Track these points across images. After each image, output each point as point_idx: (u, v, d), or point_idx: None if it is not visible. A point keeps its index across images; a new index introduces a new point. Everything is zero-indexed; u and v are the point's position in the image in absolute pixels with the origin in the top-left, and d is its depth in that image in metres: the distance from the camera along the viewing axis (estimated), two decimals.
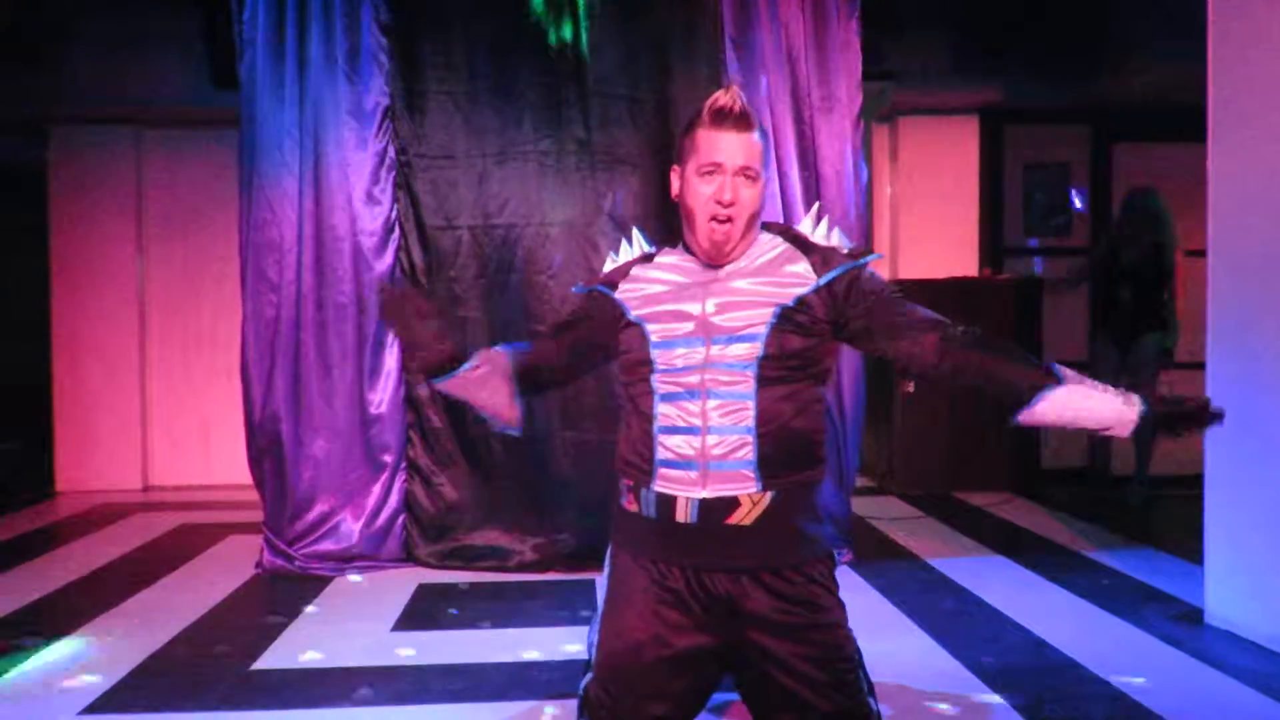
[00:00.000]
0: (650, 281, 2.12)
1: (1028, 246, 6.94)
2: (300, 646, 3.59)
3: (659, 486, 2.01)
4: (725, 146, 2.00)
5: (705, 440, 1.97)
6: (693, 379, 1.97)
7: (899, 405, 6.39)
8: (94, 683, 3.21)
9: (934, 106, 6.74)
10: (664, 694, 2.00)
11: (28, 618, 3.95)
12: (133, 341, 6.67)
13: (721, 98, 2.04)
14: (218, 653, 3.51)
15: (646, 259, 2.19)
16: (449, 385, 2.11)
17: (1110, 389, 1.93)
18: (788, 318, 1.97)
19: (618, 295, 2.12)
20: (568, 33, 4.59)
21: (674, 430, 1.99)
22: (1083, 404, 1.91)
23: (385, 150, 4.57)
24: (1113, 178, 6.84)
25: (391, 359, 4.61)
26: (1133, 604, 3.98)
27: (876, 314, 2.02)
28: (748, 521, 1.98)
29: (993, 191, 6.90)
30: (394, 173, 4.59)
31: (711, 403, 1.97)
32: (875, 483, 6.63)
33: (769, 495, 1.98)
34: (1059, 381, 1.92)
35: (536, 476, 4.65)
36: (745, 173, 2.00)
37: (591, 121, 4.60)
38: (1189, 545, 4.53)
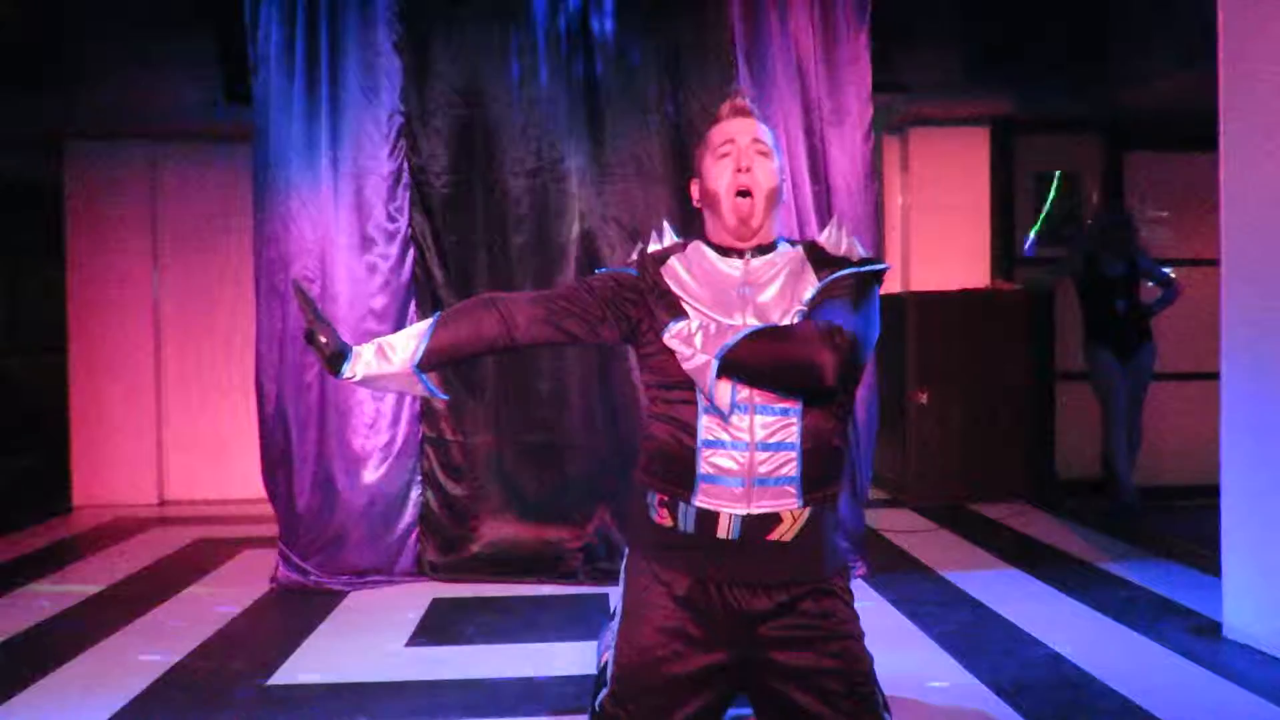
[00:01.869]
0: (690, 280, 2.09)
1: (1039, 257, 6.92)
2: (316, 662, 3.60)
3: (700, 502, 2.00)
4: (736, 128, 2.12)
5: (753, 457, 1.97)
6: (742, 393, 1.97)
7: (912, 416, 6.37)
8: (110, 698, 3.22)
9: (945, 117, 6.74)
10: (680, 710, 2.00)
11: (44, 633, 3.97)
12: (148, 356, 6.71)
13: (731, 99, 2.19)
14: (234, 668, 3.52)
15: (679, 249, 2.17)
16: (351, 382, 2.09)
17: None
18: None
19: (668, 280, 2.08)
20: (582, 49, 4.61)
21: (719, 445, 1.99)
22: None
23: (400, 167, 4.59)
24: (1125, 187, 6.82)
25: None
26: (1149, 617, 3.96)
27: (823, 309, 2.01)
28: (788, 538, 1.99)
29: (1004, 202, 6.89)
30: (409, 190, 4.61)
31: (759, 418, 1.97)
32: (889, 495, 6.61)
33: (808, 511, 2.00)
34: None
35: (550, 489, 4.66)
36: (757, 146, 2.09)
37: (604, 136, 4.62)
38: (1206, 557, 4.50)
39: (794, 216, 4.51)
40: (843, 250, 2.13)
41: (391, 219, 4.58)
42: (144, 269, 6.70)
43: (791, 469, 1.98)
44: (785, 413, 1.98)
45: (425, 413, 4.66)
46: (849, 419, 2.10)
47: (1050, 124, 6.84)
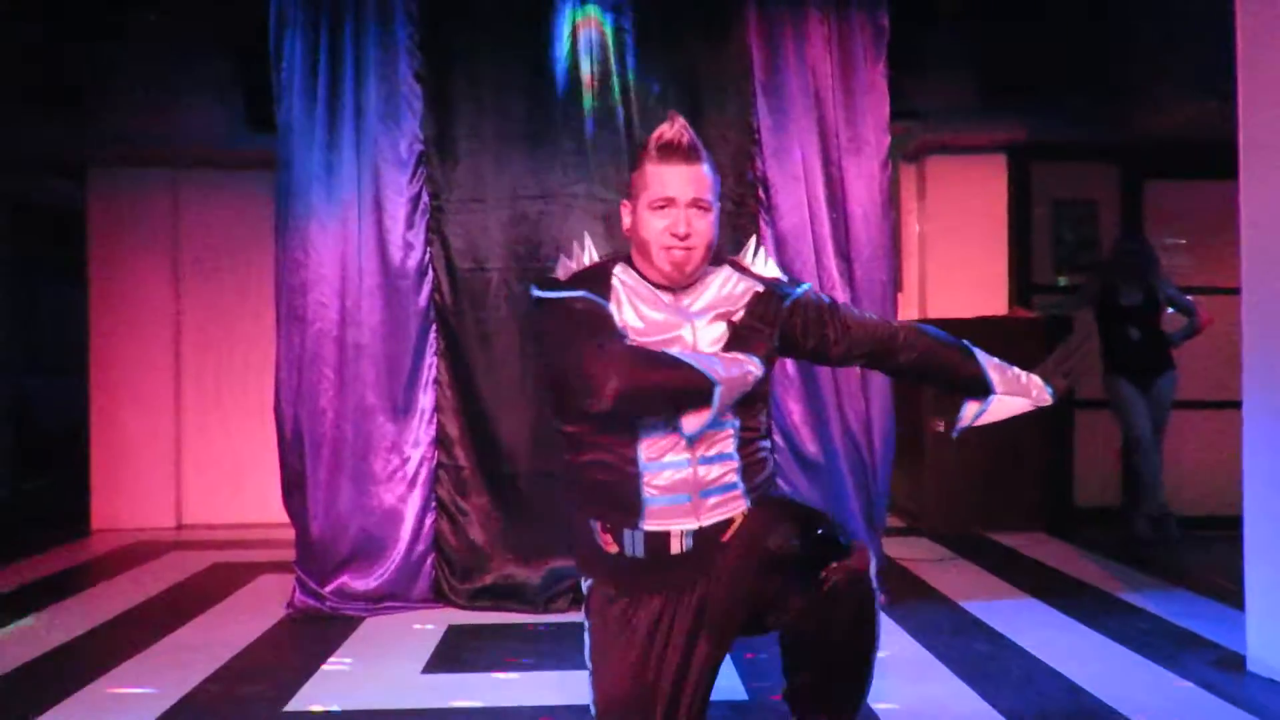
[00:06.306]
0: (628, 303, 2.07)
1: (1057, 285, 6.91)
2: (331, 688, 3.59)
3: (648, 525, 1.99)
4: (675, 181, 2.03)
5: (695, 471, 1.97)
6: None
7: (929, 444, 6.34)
8: None
9: (961, 145, 6.75)
10: (671, 699, 2.00)
11: (61, 657, 3.98)
12: (168, 380, 6.75)
13: (667, 131, 2.06)
14: (250, 694, 3.52)
15: (609, 270, 2.13)
16: None
17: (1008, 368, 2.24)
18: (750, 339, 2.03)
19: (612, 309, 2.05)
20: (599, 79, 4.64)
21: (660, 466, 1.97)
22: (1012, 404, 2.21)
23: (419, 195, 4.62)
24: (1144, 215, 6.81)
25: (425, 399, 4.63)
26: (1171, 649, 3.91)
27: (830, 324, 2.13)
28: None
29: (1021, 229, 6.89)
30: (427, 216, 4.64)
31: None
32: (906, 523, 6.58)
33: (749, 502, 2.02)
34: (990, 389, 2.20)
35: (564, 518, 4.64)
36: (698, 204, 2.05)
37: (623, 164, 4.64)
38: (1229, 589, 4.45)
39: (811, 245, 4.53)
40: (770, 272, 2.19)
41: (410, 245, 4.60)
42: (165, 293, 6.76)
43: (734, 475, 1.99)
44: (721, 425, 1.98)
45: (441, 439, 4.66)
46: (764, 412, 2.12)
47: (1067, 151, 6.84)
